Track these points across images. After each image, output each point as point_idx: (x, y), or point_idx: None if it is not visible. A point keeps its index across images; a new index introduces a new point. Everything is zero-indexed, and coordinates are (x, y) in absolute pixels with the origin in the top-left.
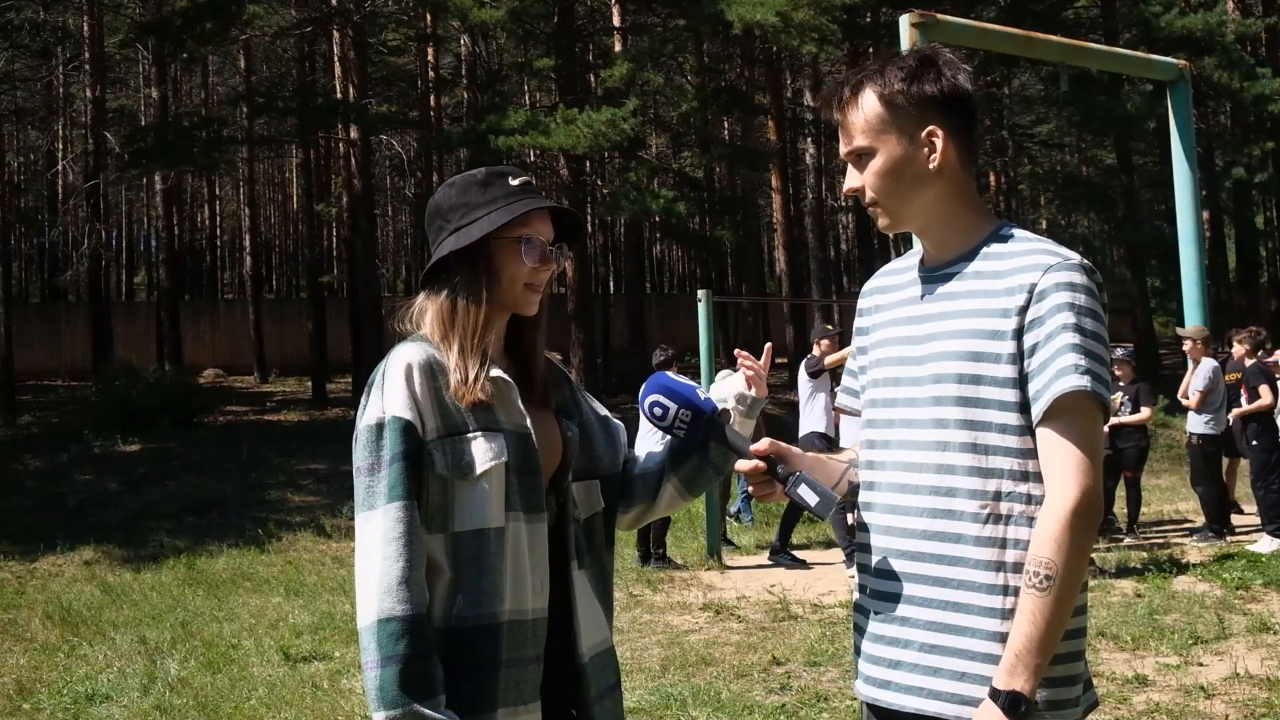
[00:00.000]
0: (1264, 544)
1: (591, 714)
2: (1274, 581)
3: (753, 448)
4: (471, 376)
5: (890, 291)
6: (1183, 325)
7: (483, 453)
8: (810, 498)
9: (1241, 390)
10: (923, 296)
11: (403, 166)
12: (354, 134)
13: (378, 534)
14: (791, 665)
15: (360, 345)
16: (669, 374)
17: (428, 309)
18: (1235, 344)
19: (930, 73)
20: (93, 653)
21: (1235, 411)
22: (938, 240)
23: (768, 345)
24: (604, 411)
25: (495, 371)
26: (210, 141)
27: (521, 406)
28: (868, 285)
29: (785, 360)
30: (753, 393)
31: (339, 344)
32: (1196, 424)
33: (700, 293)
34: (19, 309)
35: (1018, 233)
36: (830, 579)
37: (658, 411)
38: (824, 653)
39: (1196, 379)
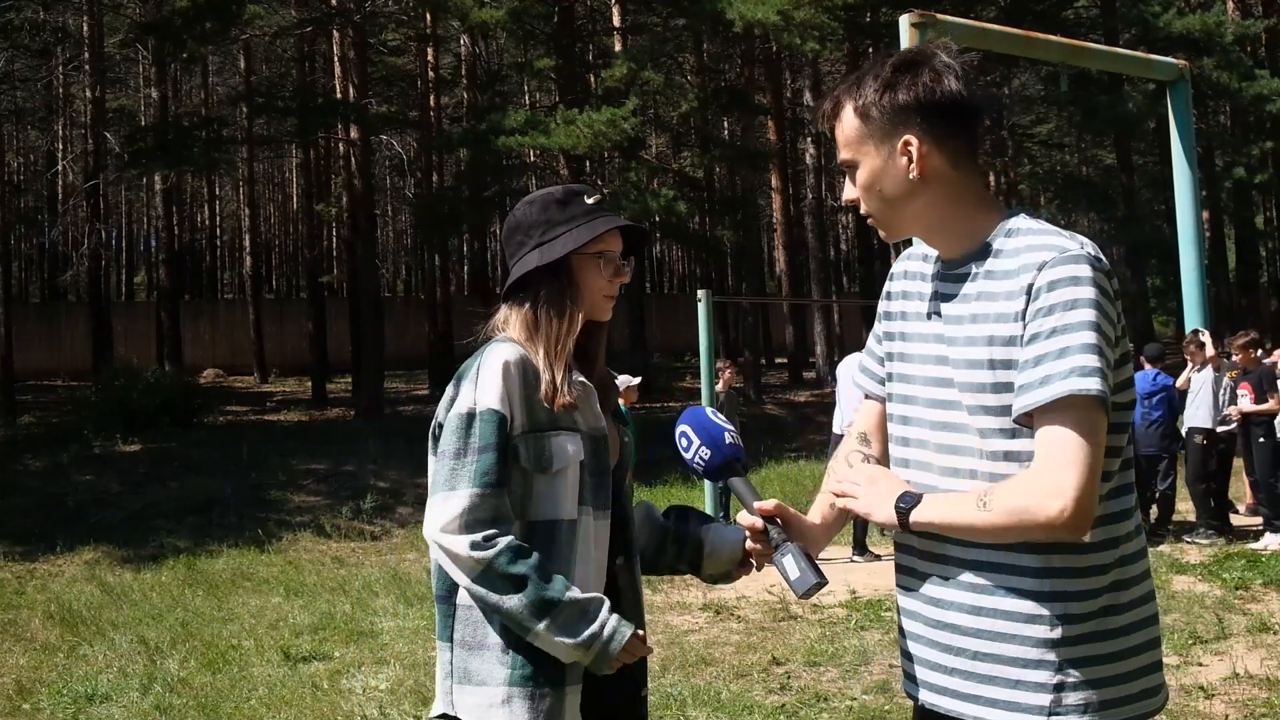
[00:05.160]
0: (1265, 541)
1: (647, 690)
2: (1274, 581)
3: (758, 505)
4: (564, 381)
5: (916, 280)
6: (1183, 325)
7: (561, 450)
8: (791, 572)
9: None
10: (943, 298)
11: (403, 166)
12: (354, 134)
13: (456, 511)
14: (791, 665)
15: (360, 345)
16: (707, 410)
17: (512, 318)
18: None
19: (905, 79)
20: (93, 653)
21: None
22: (943, 244)
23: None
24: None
25: (578, 376)
26: (210, 141)
27: (598, 410)
28: (898, 266)
29: (785, 360)
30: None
31: (339, 344)
32: (1208, 423)
33: (700, 293)
34: (19, 309)
35: (1024, 224)
36: (830, 579)
37: (684, 442)
38: (824, 653)
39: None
